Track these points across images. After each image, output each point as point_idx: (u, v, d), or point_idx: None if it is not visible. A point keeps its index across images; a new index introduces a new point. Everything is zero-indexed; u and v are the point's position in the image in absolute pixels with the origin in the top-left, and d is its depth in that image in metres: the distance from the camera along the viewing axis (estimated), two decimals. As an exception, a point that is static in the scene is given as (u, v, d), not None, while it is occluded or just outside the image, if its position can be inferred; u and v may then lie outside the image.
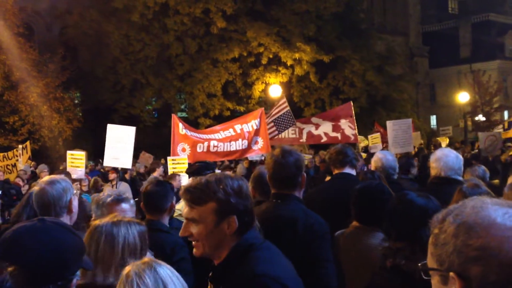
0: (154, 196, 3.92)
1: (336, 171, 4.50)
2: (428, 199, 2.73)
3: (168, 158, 9.10)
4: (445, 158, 4.38)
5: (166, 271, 1.87)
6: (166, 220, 3.88)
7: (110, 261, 2.30)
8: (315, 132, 12.49)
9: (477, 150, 17.37)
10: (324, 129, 12.37)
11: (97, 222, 2.43)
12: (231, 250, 2.02)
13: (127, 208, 3.27)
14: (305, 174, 3.35)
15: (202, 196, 2.00)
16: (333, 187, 4.42)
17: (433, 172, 4.45)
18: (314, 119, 12.91)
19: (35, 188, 3.38)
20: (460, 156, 4.51)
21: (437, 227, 1.21)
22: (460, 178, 4.39)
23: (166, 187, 4.04)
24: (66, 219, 3.20)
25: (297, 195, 3.28)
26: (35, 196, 3.30)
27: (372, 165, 5.34)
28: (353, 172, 4.50)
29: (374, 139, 15.97)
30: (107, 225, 2.37)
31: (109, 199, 3.31)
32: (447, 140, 22.34)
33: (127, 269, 1.86)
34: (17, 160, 13.08)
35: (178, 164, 8.89)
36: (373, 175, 4.66)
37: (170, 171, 8.72)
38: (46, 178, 3.49)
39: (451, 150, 4.68)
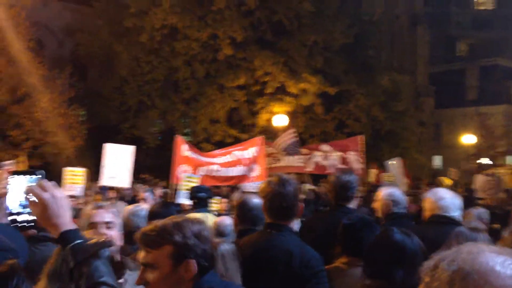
0: (157, 218, 3.92)
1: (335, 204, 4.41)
2: (408, 237, 2.64)
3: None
4: (445, 196, 4.28)
5: None
6: None
7: None
8: (323, 163, 12.40)
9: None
10: (332, 162, 12.23)
11: None
12: None
13: (107, 216, 3.21)
14: (303, 204, 3.28)
15: (157, 239, 1.93)
16: (331, 219, 4.33)
17: (430, 211, 4.33)
18: (323, 147, 12.83)
19: None
20: (459, 197, 4.43)
21: (428, 274, 1.10)
22: (461, 219, 4.29)
23: (171, 209, 4.03)
24: None
25: (291, 226, 3.21)
26: None
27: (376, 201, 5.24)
28: (353, 205, 4.40)
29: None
30: None
31: (89, 207, 3.33)
32: (451, 182, 21.95)
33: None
34: None
35: (190, 182, 8.14)
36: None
37: (184, 187, 8.12)
38: None
39: (448, 190, 4.61)
